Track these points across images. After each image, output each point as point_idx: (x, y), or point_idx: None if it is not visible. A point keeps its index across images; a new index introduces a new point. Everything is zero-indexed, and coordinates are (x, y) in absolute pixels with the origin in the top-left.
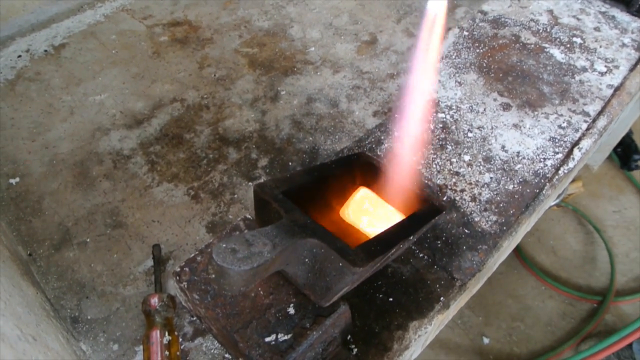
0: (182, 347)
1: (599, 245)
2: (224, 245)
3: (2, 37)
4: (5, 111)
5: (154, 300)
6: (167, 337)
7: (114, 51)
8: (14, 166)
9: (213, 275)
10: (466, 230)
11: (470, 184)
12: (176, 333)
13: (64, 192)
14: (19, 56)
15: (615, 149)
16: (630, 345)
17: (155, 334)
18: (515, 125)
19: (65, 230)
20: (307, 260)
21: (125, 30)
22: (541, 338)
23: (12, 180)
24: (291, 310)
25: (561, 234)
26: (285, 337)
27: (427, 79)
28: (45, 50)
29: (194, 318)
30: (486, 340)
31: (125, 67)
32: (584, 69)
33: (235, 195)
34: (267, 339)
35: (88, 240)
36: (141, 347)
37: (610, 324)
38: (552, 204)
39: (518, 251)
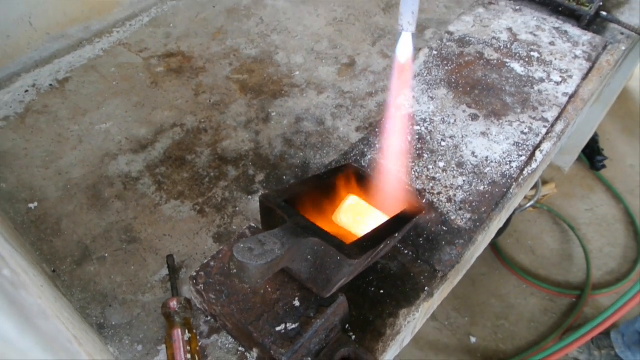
0: (200, 344)
1: (574, 242)
2: (242, 245)
3: (10, 74)
4: (18, 142)
5: (173, 303)
6: (187, 335)
7: (115, 83)
8: (32, 192)
9: (235, 271)
10: (444, 228)
11: (446, 187)
12: (194, 331)
13: (80, 213)
14: (26, 91)
15: (583, 151)
16: (608, 335)
17: (177, 332)
18: (483, 133)
19: (85, 247)
20: (309, 257)
21: (124, 62)
22: (525, 334)
23: (31, 205)
24: (297, 303)
25: (538, 234)
26: (294, 326)
27: (403, 99)
28: (51, 85)
29: (209, 318)
30: (473, 340)
31: (126, 97)
32: (542, 80)
33: (237, 208)
34: (278, 329)
35: (106, 255)
36: (163, 346)
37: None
38: (528, 205)
39: (498, 252)
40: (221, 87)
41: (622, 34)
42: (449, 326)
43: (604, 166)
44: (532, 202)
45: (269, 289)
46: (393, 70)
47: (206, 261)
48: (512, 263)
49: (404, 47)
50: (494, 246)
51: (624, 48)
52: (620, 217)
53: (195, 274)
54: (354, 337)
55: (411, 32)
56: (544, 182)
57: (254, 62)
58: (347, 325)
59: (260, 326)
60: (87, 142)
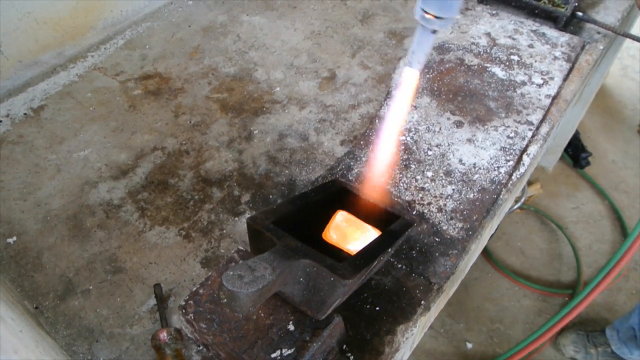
0: None
1: (563, 241)
2: (231, 273)
3: None
4: None
5: (163, 335)
6: None
7: (92, 108)
8: (10, 226)
9: (225, 300)
10: (437, 239)
11: (436, 197)
12: None
13: (61, 245)
14: (0, 121)
15: (565, 150)
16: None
17: None
18: (469, 140)
19: (68, 281)
20: (301, 279)
21: (100, 87)
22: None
23: (10, 240)
24: (291, 327)
25: (527, 235)
26: (289, 352)
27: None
28: (25, 114)
29: (201, 347)
30: (469, 345)
31: (104, 122)
32: (524, 83)
33: (224, 231)
34: (273, 355)
35: (91, 287)
36: None
37: (583, 315)
38: (515, 207)
39: (489, 256)
40: (201, 107)
41: (599, 33)
42: (444, 333)
43: (588, 163)
44: (519, 204)
45: (262, 314)
46: (392, 99)
47: (195, 288)
48: (503, 266)
49: (409, 82)
50: (484, 250)
51: (602, 47)
52: (606, 213)
53: (184, 302)
54: (352, 357)
55: (418, 69)
56: (529, 183)
57: (233, 80)
58: (344, 346)
59: (254, 354)
60: (65, 170)
